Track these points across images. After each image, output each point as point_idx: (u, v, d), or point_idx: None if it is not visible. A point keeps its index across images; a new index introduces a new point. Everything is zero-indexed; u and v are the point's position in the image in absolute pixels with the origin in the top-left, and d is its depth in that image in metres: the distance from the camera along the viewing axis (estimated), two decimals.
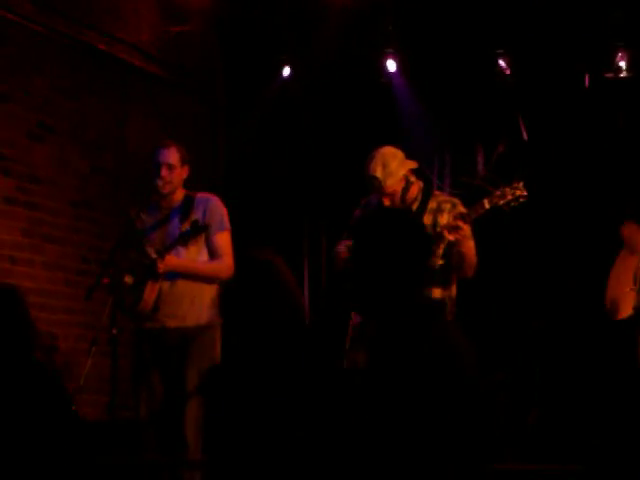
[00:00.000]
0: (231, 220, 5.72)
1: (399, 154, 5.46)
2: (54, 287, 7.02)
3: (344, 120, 8.04)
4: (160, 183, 5.53)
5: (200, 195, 5.67)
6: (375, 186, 5.42)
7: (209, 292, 5.61)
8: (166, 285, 5.50)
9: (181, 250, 5.50)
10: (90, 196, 7.37)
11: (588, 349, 7.04)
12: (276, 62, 8.21)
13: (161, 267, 5.41)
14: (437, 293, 5.42)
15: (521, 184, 5.29)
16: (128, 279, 5.48)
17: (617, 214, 6.85)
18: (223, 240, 5.62)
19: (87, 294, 5.37)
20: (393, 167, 5.39)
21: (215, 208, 5.63)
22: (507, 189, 5.27)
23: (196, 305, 5.56)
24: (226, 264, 5.59)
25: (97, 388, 6.45)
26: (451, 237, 5.22)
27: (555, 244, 7.36)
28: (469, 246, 5.31)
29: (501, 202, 5.26)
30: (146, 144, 7.71)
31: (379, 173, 5.37)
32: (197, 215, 5.52)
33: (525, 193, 5.28)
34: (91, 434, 5.68)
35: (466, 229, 5.22)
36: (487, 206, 5.26)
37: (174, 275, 5.49)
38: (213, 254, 5.59)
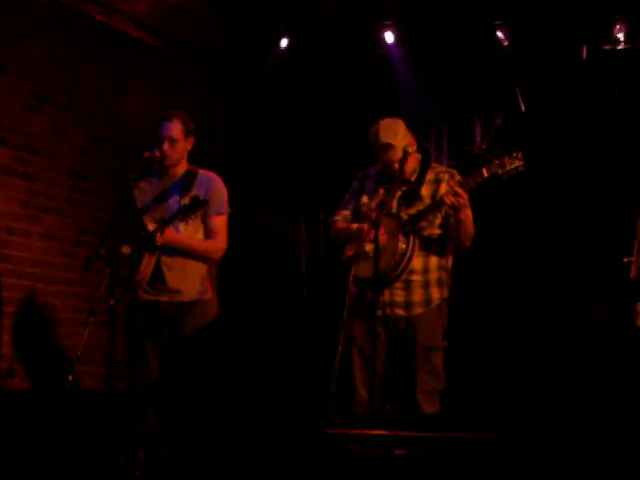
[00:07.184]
0: (230, 191, 5.72)
1: (402, 124, 5.46)
2: (51, 258, 7.02)
3: (342, 91, 8.01)
4: (159, 156, 5.52)
5: (203, 172, 5.66)
6: (388, 154, 5.38)
7: (202, 267, 5.63)
8: (162, 259, 5.51)
9: (179, 225, 5.50)
10: (87, 167, 7.36)
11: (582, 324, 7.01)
12: (274, 33, 8.18)
13: (160, 240, 5.42)
14: (434, 262, 5.43)
15: (520, 154, 5.26)
16: (125, 249, 5.49)
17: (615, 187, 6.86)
18: (220, 223, 5.63)
19: (85, 265, 5.37)
20: (401, 136, 5.39)
21: (217, 189, 5.63)
22: (506, 158, 5.25)
23: (190, 280, 5.58)
24: (220, 245, 5.64)
25: (95, 359, 6.46)
26: (449, 201, 5.20)
27: (553, 215, 7.34)
28: (467, 214, 5.31)
29: (500, 171, 5.24)
30: (143, 115, 7.70)
31: (392, 140, 5.35)
32: (199, 192, 5.51)
33: (524, 163, 5.27)
34: (89, 404, 5.73)
35: (465, 197, 5.22)
36: (486, 175, 5.25)
37: (171, 250, 5.49)
38: (208, 234, 5.61)
